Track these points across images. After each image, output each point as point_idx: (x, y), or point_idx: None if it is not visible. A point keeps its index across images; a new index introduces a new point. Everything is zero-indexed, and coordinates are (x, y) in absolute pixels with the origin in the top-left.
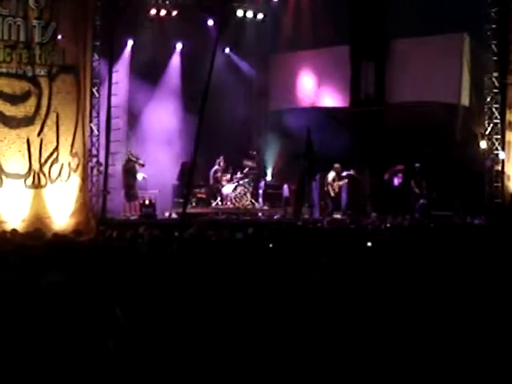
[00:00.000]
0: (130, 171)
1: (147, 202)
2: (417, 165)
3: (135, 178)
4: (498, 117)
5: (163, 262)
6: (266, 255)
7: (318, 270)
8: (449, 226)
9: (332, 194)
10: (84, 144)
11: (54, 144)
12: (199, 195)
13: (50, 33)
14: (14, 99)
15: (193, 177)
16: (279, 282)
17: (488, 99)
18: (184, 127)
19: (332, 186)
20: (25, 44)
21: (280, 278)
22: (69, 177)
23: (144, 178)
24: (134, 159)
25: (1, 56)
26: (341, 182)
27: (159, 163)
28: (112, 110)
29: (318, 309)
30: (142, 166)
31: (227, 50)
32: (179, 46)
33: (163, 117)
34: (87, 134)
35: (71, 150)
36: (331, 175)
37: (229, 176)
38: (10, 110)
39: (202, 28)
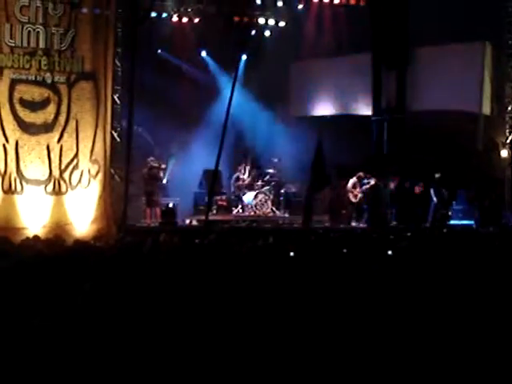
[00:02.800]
0: (152, 178)
1: (168, 209)
2: (437, 174)
3: (157, 184)
4: None
5: (182, 268)
6: (286, 264)
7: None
8: (469, 235)
9: (353, 200)
10: (105, 151)
11: (74, 151)
12: (220, 203)
13: (68, 40)
14: (34, 106)
15: (209, 186)
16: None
17: (509, 108)
18: (206, 134)
19: (353, 192)
20: (44, 51)
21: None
22: (89, 183)
23: (167, 181)
24: (157, 165)
25: (20, 63)
26: (361, 189)
27: (181, 171)
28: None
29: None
30: (165, 169)
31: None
32: (203, 53)
33: (185, 123)
34: (108, 140)
35: (91, 157)
36: (352, 182)
37: (250, 183)
38: (29, 116)
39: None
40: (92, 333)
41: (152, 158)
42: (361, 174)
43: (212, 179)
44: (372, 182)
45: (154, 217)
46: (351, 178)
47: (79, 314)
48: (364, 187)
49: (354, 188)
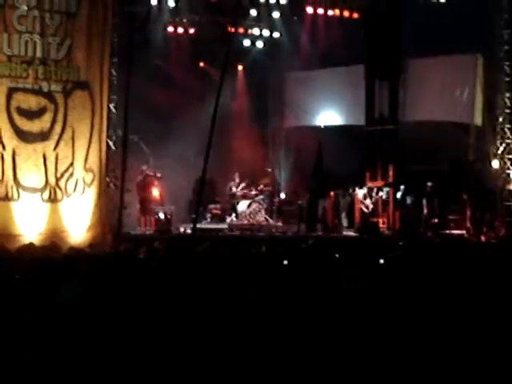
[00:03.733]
0: (146, 186)
1: (163, 217)
2: (429, 183)
3: (151, 192)
4: (510, 136)
5: (175, 275)
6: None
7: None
8: (461, 244)
9: (366, 211)
10: (100, 159)
11: (70, 159)
12: (214, 211)
13: (65, 49)
14: (31, 114)
15: (203, 194)
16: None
17: (500, 119)
18: (201, 143)
19: (364, 203)
20: (41, 60)
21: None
22: (83, 192)
23: (160, 193)
24: (152, 174)
25: (18, 71)
26: (373, 200)
27: (175, 179)
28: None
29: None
30: (160, 178)
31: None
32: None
33: (180, 133)
34: (104, 149)
35: (85, 165)
36: (361, 193)
37: (244, 192)
38: (26, 124)
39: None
40: (84, 336)
41: (147, 167)
42: (370, 184)
43: (199, 188)
44: (382, 193)
45: (149, 225)
46: (339, 188)
47: (69, 318)
48: (375, 197)
49: (365, 199)
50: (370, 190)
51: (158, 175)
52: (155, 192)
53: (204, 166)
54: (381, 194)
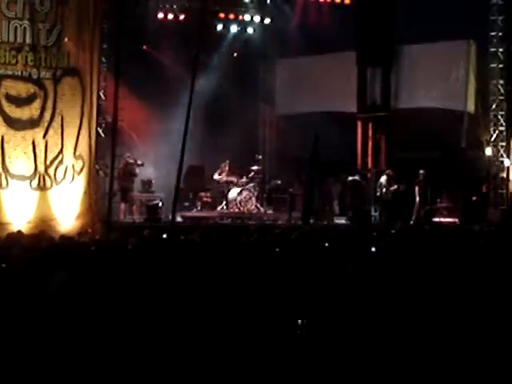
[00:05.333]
0: (128, 174)
1: (153, 205)
2: (421, 171)
3: (133, 180)
4: (504, 124)
5: (167, 264)
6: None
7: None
8: (453, 232)
9: (385, 198)
10: (90, 147)
11: (59, 146)
12: (205, 199)
13: (55, 36)
14: (20, 101)
15: (193, 182)
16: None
17: (493, 106)
18: (192, 130)
19: (388, 189)
20: (30, 46)
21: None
22: (73, 179)
23: (150, 181)
24: (133, 161)
25: (6, 58)
26: (394, 188)
27: (166, 167)
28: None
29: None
30: (142, 165)
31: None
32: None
33: (171, 120)
34: (93, 136)
35: (75, 153)
36: (384, 178)
37: (234, 180)
38: (15, 111)
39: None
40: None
41: (128, 154)
42: (388, 171)
43: (177, 177)
44: (356, 178)
45: (129, 213)
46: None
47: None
48: (400, 187)
49: (390, 184)
50: (392, 175)
51: (139, 162)
52: (135, 180)
53: (181, 154)
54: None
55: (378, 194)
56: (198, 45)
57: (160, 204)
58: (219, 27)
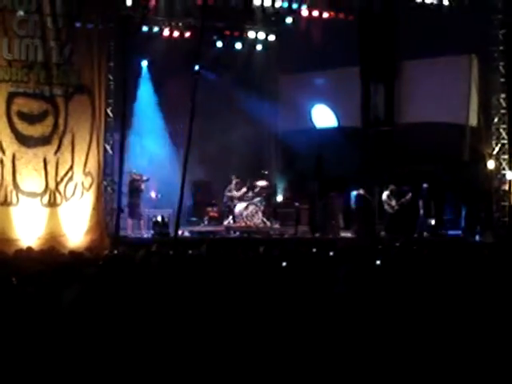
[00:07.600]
0: (135, 190)
1: (160, 220)
2: (425, 185)
3: (140, 196)
4: (506, 137)
5: (174, 279)
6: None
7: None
8: (457, 245)
9: (390, 211)
10: (98, 163)
11: (70, 163)
12: (211, 214)
13: (66, 54)
14: (32, 119)
15: (199, 196)
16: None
17: (495, 120)
18: (197, 146)
19: (390, 204)
20: (42, 64)
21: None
22: (82, 195)
23: (157, 196)
24: (138, 177)
25: (18, 76)
26: (400, 201)
27: (173, 182)
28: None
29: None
30: (147, 180)
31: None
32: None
33: (177, 135)
34: (101, 153)
35: (84, 169)
36: (386, 194)
37: (241, 194)
38: (27, 129)
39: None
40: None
41: (134, 171)
42: (392, 186)
43: (180, 193)
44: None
45: (138, 228)
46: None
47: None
48: (403, 199)
49: (390, 200)
50: (395, 190)
51: (145, 178)
52: (142, 195)
53: (183, 168)
54: (409, 195)
55: (384, 207)
56: (197, 59)
57: (167, 219)
58: (220, 44)
